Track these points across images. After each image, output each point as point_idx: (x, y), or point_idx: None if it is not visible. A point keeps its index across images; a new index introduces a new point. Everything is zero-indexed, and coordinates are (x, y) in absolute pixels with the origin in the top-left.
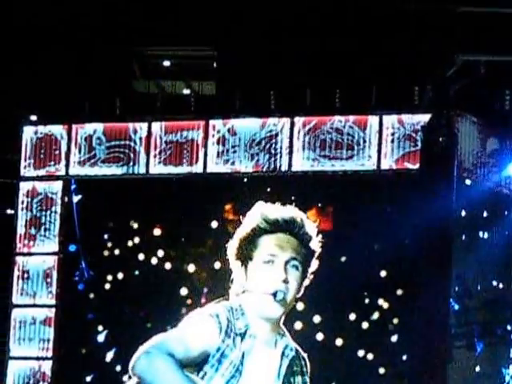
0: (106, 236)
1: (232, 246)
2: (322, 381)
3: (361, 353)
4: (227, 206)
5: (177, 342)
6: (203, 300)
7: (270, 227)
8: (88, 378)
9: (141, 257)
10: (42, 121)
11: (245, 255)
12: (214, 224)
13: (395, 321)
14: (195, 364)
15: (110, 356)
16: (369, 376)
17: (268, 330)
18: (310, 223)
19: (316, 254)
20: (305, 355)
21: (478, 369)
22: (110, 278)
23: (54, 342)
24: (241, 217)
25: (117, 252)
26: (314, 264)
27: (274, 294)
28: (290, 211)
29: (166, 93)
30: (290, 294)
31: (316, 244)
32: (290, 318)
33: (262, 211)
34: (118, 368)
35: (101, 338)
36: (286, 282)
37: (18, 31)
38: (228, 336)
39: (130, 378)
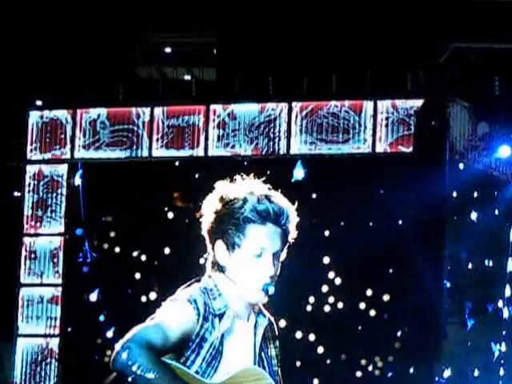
0: (110, 218)
1: (213, 223)
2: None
3: (353, 329)
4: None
5: (155, 332)
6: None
7: (259, 219)
8: (96, 357)
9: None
10: (47, 106)
11: (233, 242)
12: None
13: (388, 299)
14: (175, 350)
15: (109, 335)
16: (361, 351)
17: (245, 307)
18: (295, 215)
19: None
20: (272, 318)
21: (469, 344)
22: (112, 259)
23: (61, 320)
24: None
25: (121, 234)
26: (284, 254)
27: (266, 290)
28: (278, 201)
29: (168, 78)
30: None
31: (292, 236)
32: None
33: (250, 199)
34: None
35: (101, 317)
36: (274, 277)
37: (22, 17)
38: (206, 320)
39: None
